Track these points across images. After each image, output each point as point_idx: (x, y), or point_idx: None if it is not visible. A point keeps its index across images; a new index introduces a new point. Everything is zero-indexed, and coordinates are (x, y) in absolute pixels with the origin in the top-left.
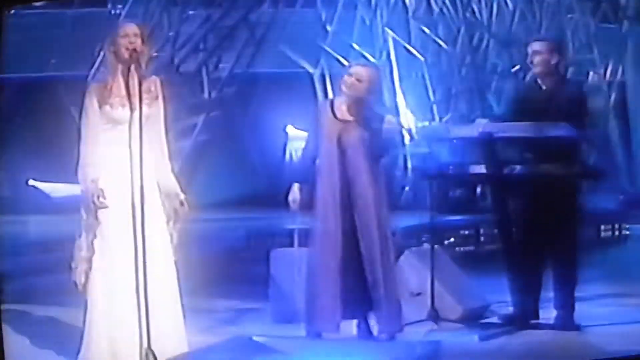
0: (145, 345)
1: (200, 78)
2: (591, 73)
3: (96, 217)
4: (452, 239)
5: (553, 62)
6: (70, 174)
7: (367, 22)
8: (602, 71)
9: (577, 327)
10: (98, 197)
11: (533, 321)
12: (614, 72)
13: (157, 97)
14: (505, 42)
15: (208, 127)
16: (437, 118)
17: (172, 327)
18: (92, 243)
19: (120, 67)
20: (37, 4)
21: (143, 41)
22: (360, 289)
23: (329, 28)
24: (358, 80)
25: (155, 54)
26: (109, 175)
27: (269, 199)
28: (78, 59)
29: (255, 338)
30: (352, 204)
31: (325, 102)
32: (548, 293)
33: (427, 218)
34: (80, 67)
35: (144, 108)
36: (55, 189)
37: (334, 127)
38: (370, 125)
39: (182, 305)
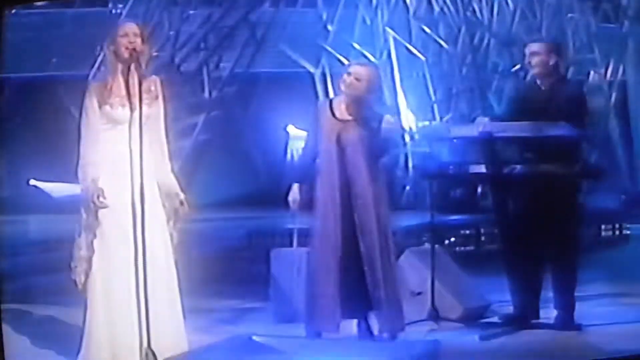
0: (145, 344)
1: (201, 77)
2: (592, 73)
3: (96, 217)
4: (452, 239)
5: (551, 63)
6: (71, 174)
7: (368, 22)
8: (602, 71)
9: (578, 327)
10: (98, 197)
11: (533, 321)
12: (615, 72)
13: (157, 97)
14: (506, 41)
15: (209, 126)
16: (437, 117)
17: (172, 327)
18: (91, 243)
19: (120, 66)
20: (38, 3)
21: (143, 41)
22: (360, 289)
23: (329, 28)
24: (357, 79)
25: (155, 54)
26: (109, 175)
27: (270, 199)
28: (79, 59)
29: (254, 338)
30: (352, 203)
31: (324, 102)
32: (548, 293)
33: (428, 217)
34: (81, 66)
35: (144, 108)
36: (56, 189)
37: (333, 127)
38: (370, 125)
39: (182, 305)
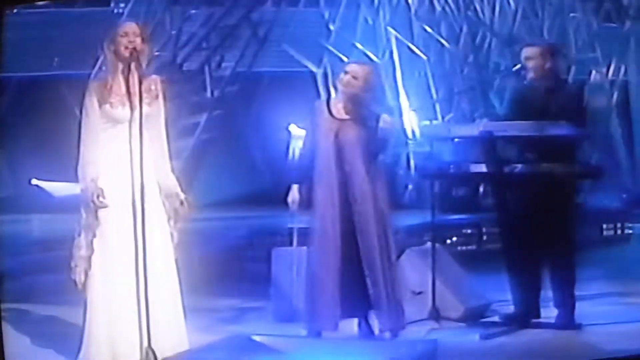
0: (145, 344)
1: (203, 77)
2: (594, 72)
3: (96, 217)
4: (454, 238)
5: (547, 66)
6: (73, 173)
7: (370, 22)
8: (604, 70)
9: (578, 326)
10: (98, 197)
11: (534, 320)
12: (617, 71)
13: (157, 96)
14: (508, 41)
15: (211, 126)
16: (439, 117)
17: (172, 326)
18: (91, 242)
19: (120, 66)
20: (40, 2)
21: (143, 40)
22: (360, 287)
23: (331, 27)
24: (354, 77)
25: (157, 53)
26: (109, 175)
27: (272, 198)
28: (81, 58)
29: (254, 337)
30: (350, 202)
31: (321, 101)
32: (549, 292)
33: (430, 217)
34: (83, 66)
35: (144, 107)
36: (58, 188)
37: (331, 126)
38: (367, 124)
39: (183, 304)
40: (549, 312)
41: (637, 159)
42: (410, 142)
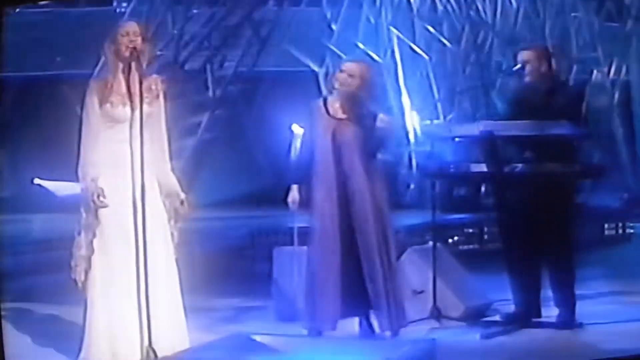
0: (146, 343)
1: (205, 76)
2: (595, 71)
3: (96, 216)
4: (455, 237)
5: (543, 69)
6: (74, 172)
7: (372, 21)
8: (606, 69)
9: (579, 326)
10: (98, 196)
11: (535, 319)
12: (618, 71)
13: (157, 96)
14: (509, 40)
15: (213, 125)
16: (441, 116)
17: (173, 326)
18: (91, 242)
19: (120, 65)
20: (42, 2)
21: (144, 39)
22: (360, 287)
23: (334, 27)
24: (350, 75)
25: (159, 53)
26: (109, 174)
27: (274, 197)
28: (83, 58)
29: (253, 336)
30: (349, 201)
31: (318, 101)
32: (550, 291)
33: (431, 216)
34: (85, 65)
35: (145, 107)
36: (61, 188)
37: (329, 125)
38: (364, 123)
39: (184, 304)
40: (550, 312)
41: (638, 158)
42: (412, 141)
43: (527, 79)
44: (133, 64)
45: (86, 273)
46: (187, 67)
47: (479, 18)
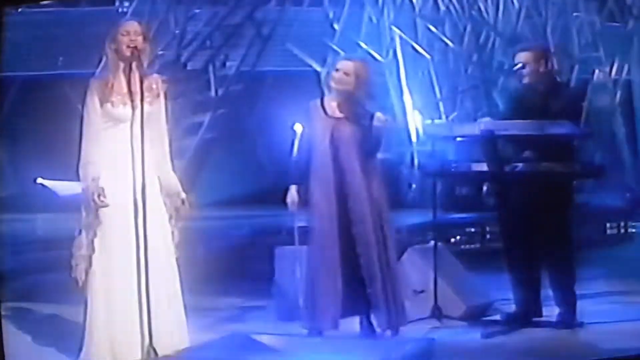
0: (147, 342)
1: (207, 76)
2: (597, 71)
3: (96, 216)
4: (456, 237)
5: (541, 69)
6: (76, 172)
7: (374, 21)
8: (607, 69)
9: (580, 325)
10: (99, 196)
11: (536, 319)
12: (620, 71)
13: (158, 95)
14: (512, 40)
15: (215, 125)
16: (443, 116)
17: (173, 325)
18: (91, 241)
19: (121, 64)
20: (45, 2)
21: (144, 39)
22: (360, 286)
23: (336, 26)
24: (345, 73)
25: (161, 52)
26: (110, 174)
27: (275, 197)
28: (85, 57)
29: (253, 335)
30: (347, 201)
31: (316, 100)
32: (551, 291)
33: (432, 215)
34: (87, 65)
35: (146, 106)
36: (62, 187)
37: (326, 124)
38: (361, 122)
39: (185, 303)
40: (551, 311)
41: None
42: (414, 140)
43: (525, 79)
44: (134, 64)
45: (87, 272)
46: (189, 66)
47: (481, 18)
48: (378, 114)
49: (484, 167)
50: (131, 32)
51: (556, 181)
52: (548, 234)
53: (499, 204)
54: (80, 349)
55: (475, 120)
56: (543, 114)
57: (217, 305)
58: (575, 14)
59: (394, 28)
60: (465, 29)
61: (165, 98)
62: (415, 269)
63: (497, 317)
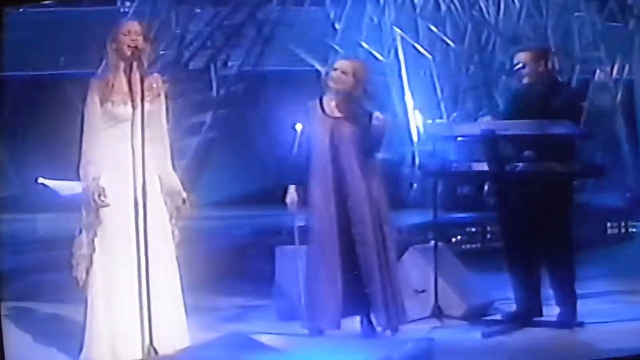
0: (147, 342)
1: (209, 76)
2: (598, 71)
3: (97, 215)
4: (457, 236)
5: (540, 70)
6: (77, 171)
7: (376, 21)
8: (608, 69)
9: (580, 325)
10: (99, 195)
11: (536, 318)
12: (621, 70)
13: (158, 95)
14: (513, 40)
15: (216, 124)
16: (444, 115)
17: (174, 324)
18: (92, 241)
19: (122, 64)
20: (46, 2)
21: (145, 39)
22: (360, 285)
23: (337, 26)
24: (344, 73)
25: (163, 52)
26: (110, 173)
27: (276, 196)
28: (86, 57)
29: (253, 335)
30: (346, 200)
31: (314, 100)
32: (551, 290)
33: (433, 215)
34: (89, 65)
35: (146, 105)
36: (63, 187)
37: (325, 124)
38: (359, 121)
39: (185, 303)
40: (551, 311)
41: None
42: (414, 140)
43: (525, 80)
44: (134, 63)
45: (87, 272)
46: (190, 66)
47: (482, 18)
48: (377, 114)
49: (484, 166)
50: (132, 32)
51: (557, 181)
52: (548, 234)
53: (499, 203)
54: (80, 349)
55: (476, 120)
56: (544, 114)
57: (217, 305)
58: (576, 13)
59: (395, 28)
60: (466, 28)
61: (166, 97)
62: (415, 269)
63: (498, 316)
